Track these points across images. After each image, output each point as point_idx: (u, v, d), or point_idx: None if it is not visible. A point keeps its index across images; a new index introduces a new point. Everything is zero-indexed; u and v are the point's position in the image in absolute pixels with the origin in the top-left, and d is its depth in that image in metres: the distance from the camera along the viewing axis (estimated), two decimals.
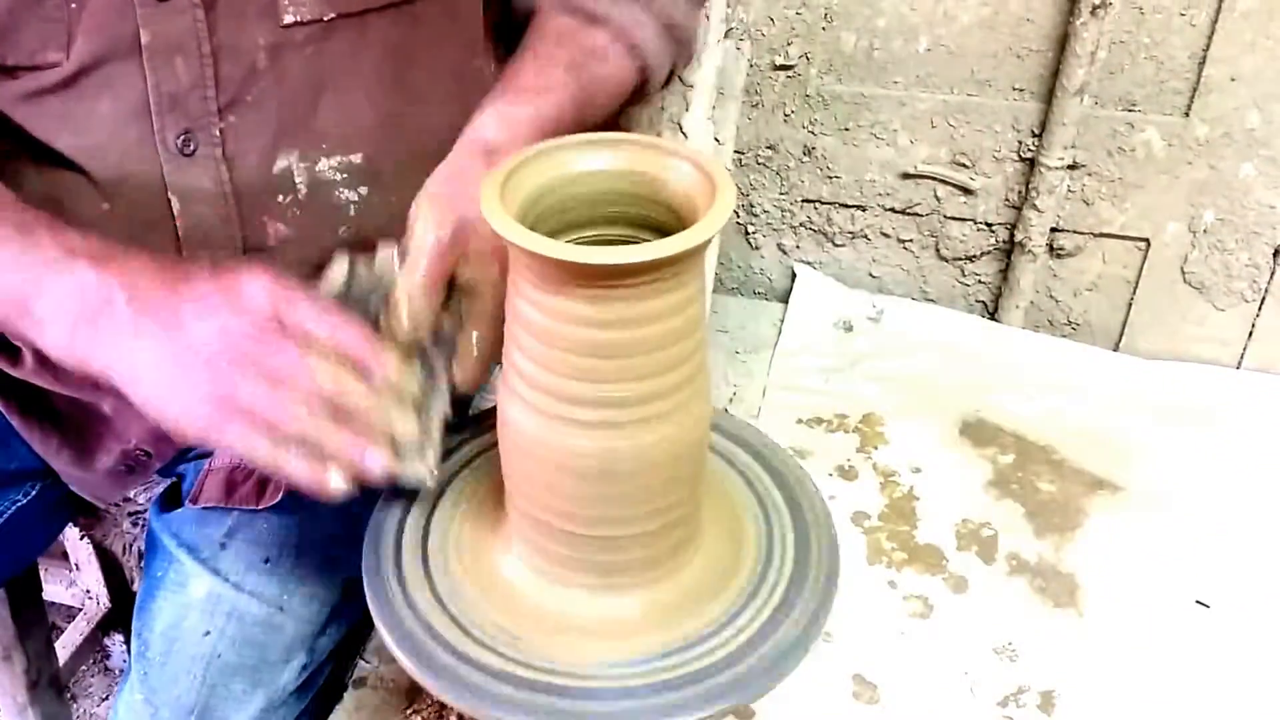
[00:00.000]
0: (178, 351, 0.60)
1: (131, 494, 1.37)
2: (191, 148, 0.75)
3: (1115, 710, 0.95)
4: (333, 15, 0.75)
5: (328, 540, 0.90)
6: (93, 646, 1.58)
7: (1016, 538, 1.14)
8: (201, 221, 0.77)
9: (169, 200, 0.76)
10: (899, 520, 1.16)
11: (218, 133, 0.75)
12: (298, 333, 0.61)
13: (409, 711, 0.95)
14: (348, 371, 0.61)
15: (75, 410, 0.90)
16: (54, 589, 1.58)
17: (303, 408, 0.59)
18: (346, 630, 0.94)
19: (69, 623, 1.57)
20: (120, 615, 1.57)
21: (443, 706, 0.95)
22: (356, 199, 0.80)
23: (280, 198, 0.78)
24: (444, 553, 0.69)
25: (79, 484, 0.98)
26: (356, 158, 0.79)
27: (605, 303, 0.56)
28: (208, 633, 0.86)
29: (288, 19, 0.74)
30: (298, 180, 0.78)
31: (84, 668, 1.66)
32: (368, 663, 0.99)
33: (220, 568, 0.88)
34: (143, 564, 1.55)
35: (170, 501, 0.96)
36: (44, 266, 0.65)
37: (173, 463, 0.97)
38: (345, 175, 0.79)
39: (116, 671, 1.69)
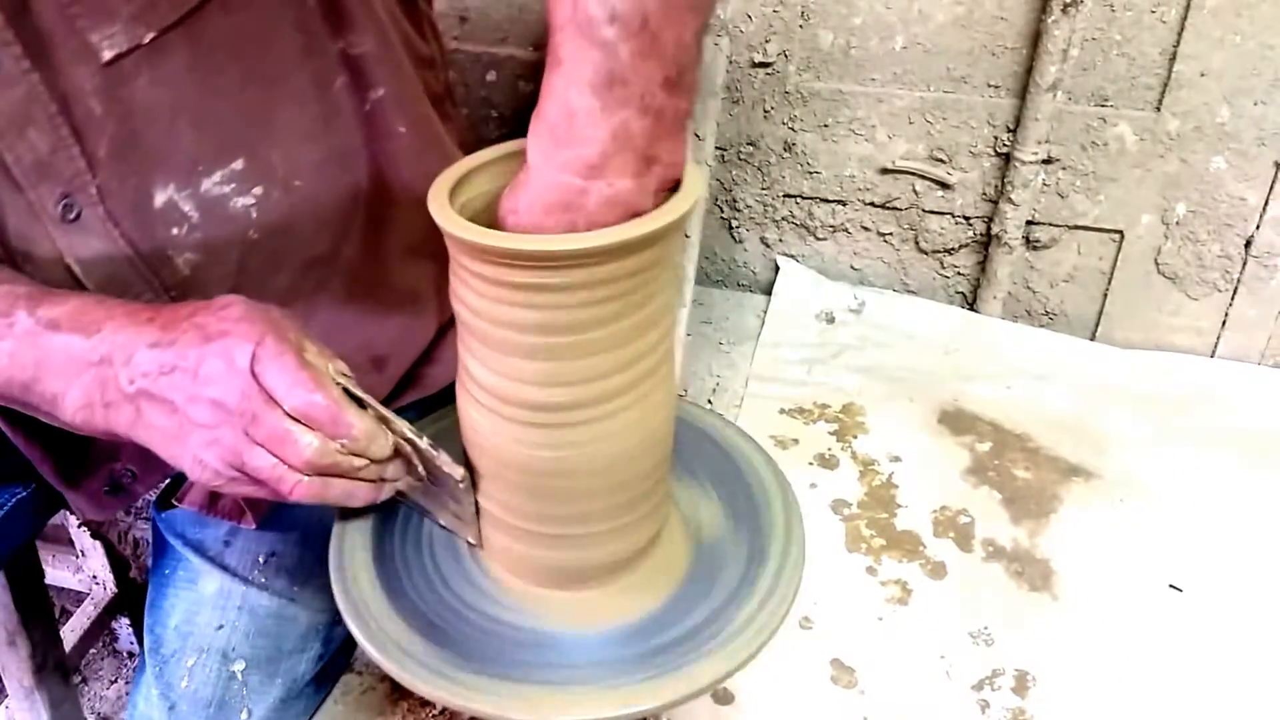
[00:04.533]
0: (182, 432, 0.64)
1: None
2: (75, 213, 0.72)
3: (1089, 692, 0.98)
4: (152, 35, 0.69)
5: (327, 532, 0.92)
6: (100, 630, 1.60)
7: (993, 524, 1.16)
8: (110, 280, 0.75)
9: (71, 271, 0.74)
10: (878, 508, 1.18)
11: (95, 190, 0.72)
12: (274, 395, 0.62)
13: (395, 698, 0.97)
14: (330, 440, 0.63)
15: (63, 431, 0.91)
16: (62, 574, 1.60)
17: (300, 475, 0.63)
18: None
19: (77, 607, 1.59)
20: (126, 600, 1.59)
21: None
22: (253, 200, 0.77)
23: (175, 230, 0.76)
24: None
25: (68, 498, 0.99)
26: (238, 163, 0.76)
27: (550, 301, 0.55)
28: (221, 626, 0.88)
29: (107, 55, 0.69)
30: (185, 209, 0.75)
31: (93, 650, 1.69)
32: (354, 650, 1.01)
33: (228, 563, 0.89)
34: (138, 553, 1.56)
35: (168, 501, 0.97)
36: (32, 344, 0.67)
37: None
38: (233, 185, 0.76)
39: (124, 654, 1.72)
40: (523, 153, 0.61)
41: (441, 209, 0.57)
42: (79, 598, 1.61)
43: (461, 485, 0.65)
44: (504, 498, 0.64)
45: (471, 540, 0.68)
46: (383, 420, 0.64)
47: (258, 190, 0.77)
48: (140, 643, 1.54)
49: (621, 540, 0.66)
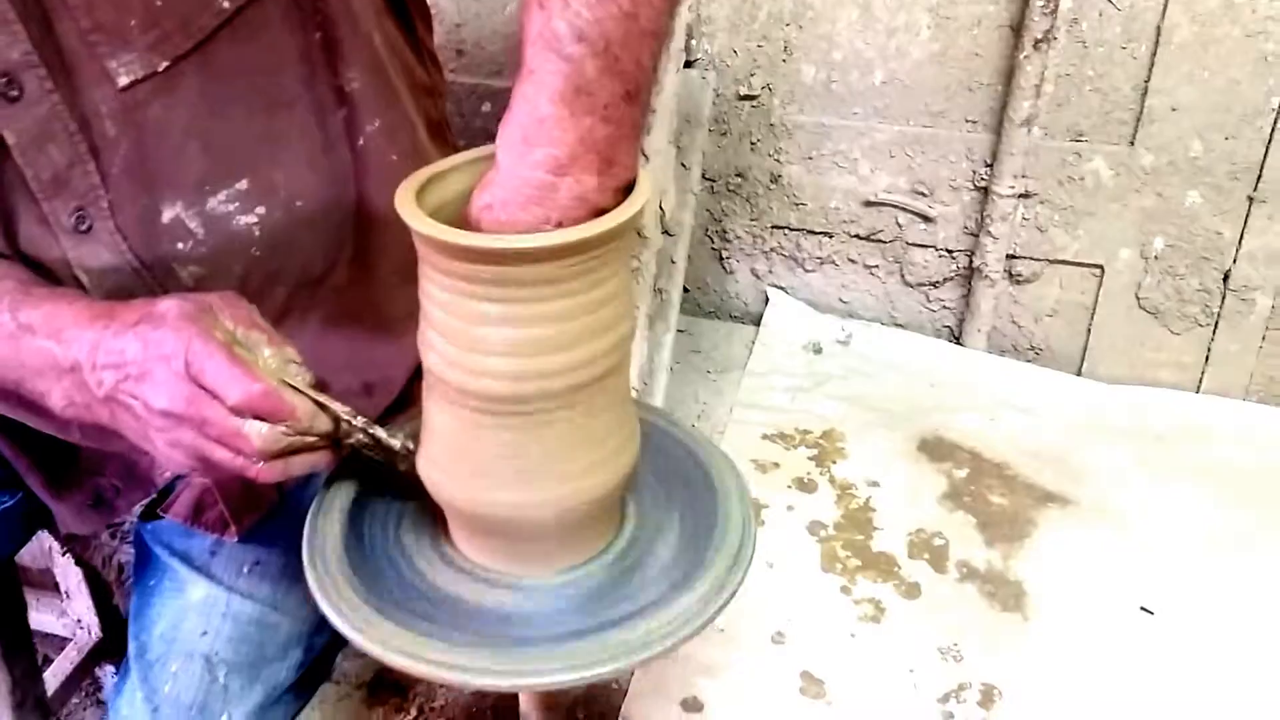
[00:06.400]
0: (147, 433, 0.69)
1: None
2: (87, 225, 0.76)
3: (1057, 706, 0.98)
4: (166, 64, 0.73)
5: None
6: (83, 677, 1.53)
7: (968, 547, 1.17)
8: (116, 290, 0.79)
9: (78, 279, 0.78)
10: (854, 530, 1.19)
11: (106, 205, 0.76)
12: (216, 394, 0.67)
13: (371, 704, 0.98)
14: (276, 426, 0.67)
15: (50, 439, 0.94)
16: (45, 618, 1.54)
17: (259, 461, 0.68)
18: None
19: (59, 654, 1.56)
20: (113, 645, 1.53)
21: (400, 704, 0.98)
22: (256, 219, 0.81)
23: (180, 245, 0.79)
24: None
25: (52, 509, 1.02)
26: (243, 184, 0.80)
27: (513, 296, 0.59)
28: (205, 632, 0.90)
29: (123, 81, 0.73)
30: (191, 225, 0.79)
31: (75, 700, 1.63)
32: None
33: (214, 572, 0.91)
34: (123, 577, 1.56)
35: (152, 512, 0.99)
36: (14, 348, 0.71)
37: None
38: (237, 204, 0.80)
39: (108, 704, 1.67)
40: (486, 159, 0.64)
41: (410, 210, 0.60)
42: (61, 644, 1.55)
43: (403, 453, 0.68)
44: (458, 485, 0.67)
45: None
46: (320, 406, 0.67)
47: (260, 209, 0.81)
48: None
49: (573, 525, 0.68)
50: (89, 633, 1.56)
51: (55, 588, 1.54)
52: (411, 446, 0.69)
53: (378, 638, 0.64)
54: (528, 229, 0.60)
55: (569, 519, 0.67)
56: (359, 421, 0.68)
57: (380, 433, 0.68)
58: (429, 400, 0.67)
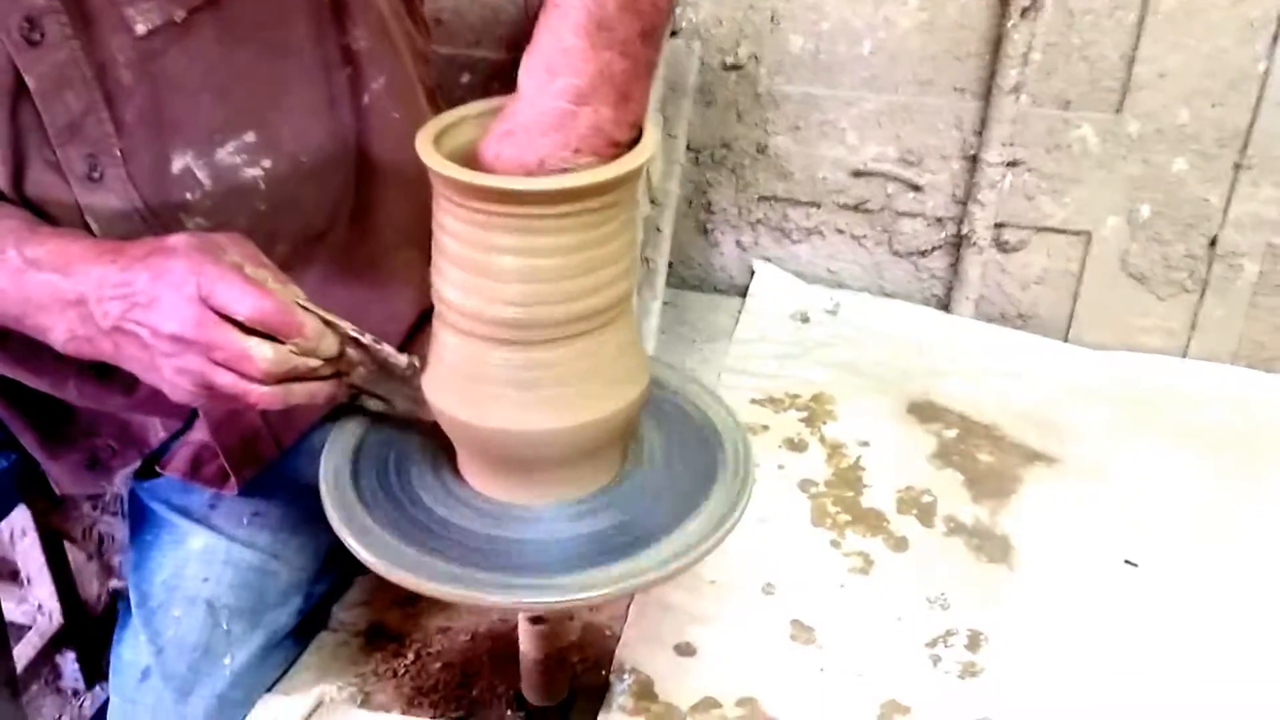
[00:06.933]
0: (154, 362, 0.71)
1: None
2: (98, 172, 0.78)
3: (1041, 650, 1.00)
4: (183, 14, 0.76)
5: (310, 494, 0.95)
6: (44, 664, 1.52)
7: (955, 503, 1.19)
8: (125, 237, 0.80)
9: (88, 225, 0.81)
10: (844, 487, 1.21)
11: (119, 153, 0.78)
12: (228, 312, 0.68)
13: (369, 650, 1.00)
14: (281, 344, 0.69)
15: (47, 398, 0.95)
16: (5, 605, 1.54)
17: (261, 384, 0.70)
18: (341, 576, 1.01)
19: (17, 645, 1.46)
20: (73, 632, 1.52)
21: (398, 650, 0.99)
22: (262, 172, 0.84)
23: (188, 195, 0.82)
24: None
25: (46, 469, 1.03)
26: (250, 136, 0.83)
27: (522, 234, 0.63)
28: (206, 579, 0.92)
29: (141, 29, 0.76)
30: (200, 175, 0.82)
31: (35, 687, 1.58)
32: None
33: (215, 524, 0.94)
34: (103, 549, 1.55)
35: (148, 471, 1.01)
36: (19, 282, 0.73)
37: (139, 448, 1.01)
38: (245, 155, 0.83)
39: (69, 692, 1.62)
40: (496, 109, 0.68)
41: (429, 150, 0.63)
42: (20, 632, 1.50)
43: (409, 371, 0.70)
44: (468, 410, 0.68)
45: (429, 419, 0.73)
46: (328, 324, 0.69)
47: (266, 163, 0.84)
48: (87, 679, 1.51)
49: (581, 454, 0.71)
50: (50, 619, 1.54)
51: (13, 576, 1.53)
52: (418, 364, 0.71)
53: (385, 556, 0.66)
54: (547, 154, 0.63)
55: (577, 449, 0.70)
56: (367, 338, 0.70)
57: (387, 349, 0.71)
58: (439, 332, 0.69)
